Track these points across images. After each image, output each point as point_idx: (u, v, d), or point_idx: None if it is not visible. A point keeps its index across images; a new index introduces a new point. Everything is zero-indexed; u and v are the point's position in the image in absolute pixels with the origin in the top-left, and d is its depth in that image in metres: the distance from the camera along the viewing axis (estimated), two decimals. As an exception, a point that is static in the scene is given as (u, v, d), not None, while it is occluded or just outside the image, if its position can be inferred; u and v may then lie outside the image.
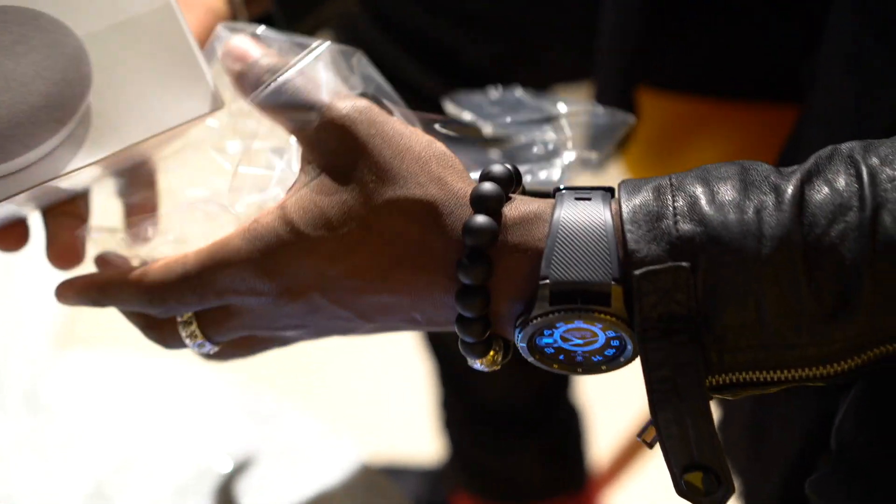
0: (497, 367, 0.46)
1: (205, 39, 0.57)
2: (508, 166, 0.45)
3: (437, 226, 0.44)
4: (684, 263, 0.40)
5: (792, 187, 0.41)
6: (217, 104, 0.48)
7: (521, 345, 0.44)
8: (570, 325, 0.42)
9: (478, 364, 0.45)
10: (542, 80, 0.86)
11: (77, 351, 0.87)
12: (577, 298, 0.41)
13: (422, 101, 0.85)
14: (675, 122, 0.82)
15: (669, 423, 0.41)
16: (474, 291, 0.43)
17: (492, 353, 0.45)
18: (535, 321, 0.42)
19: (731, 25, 0.78)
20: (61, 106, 0.45)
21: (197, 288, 0.45)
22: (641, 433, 0.43)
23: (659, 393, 0.41)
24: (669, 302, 0.40)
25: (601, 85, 0.77)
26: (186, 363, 0.80)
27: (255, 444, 0.76)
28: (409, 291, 0.44)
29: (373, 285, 0.44)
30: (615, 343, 0.43)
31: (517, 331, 0.43)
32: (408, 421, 1.29)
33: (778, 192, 0.41)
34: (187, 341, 0.48)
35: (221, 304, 0.46)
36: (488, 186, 0.43)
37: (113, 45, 0.46)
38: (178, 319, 0.47)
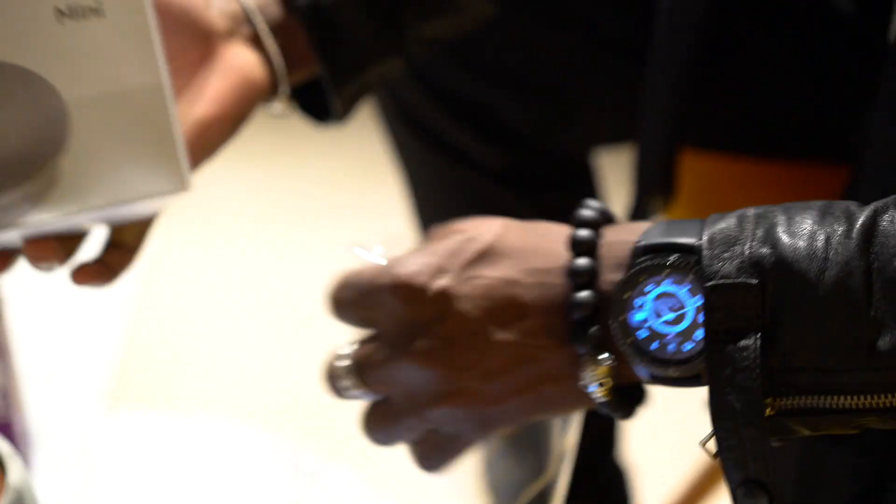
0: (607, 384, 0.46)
1: (233, 106, 0.58)
2: (595, 214, 0.48)
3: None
4: (753, 281, 0.41)
5: (864, 216, 0.42)
6: (184, 187, 0.49)
7: (614, 324, 0.45)
8: (659, 289, 0.44)
9: (592, 387, 0.46)
10: (584, 142, 0.86)
11: (127, 410, 0.88)
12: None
13: (462, 161, 0.87)
14: (719, 183, 0.81)
15: (728, 435, 0.41)
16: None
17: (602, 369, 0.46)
18: (624, 282, 0.44)
19: (777, 83, 0.78)
20: (31, 161, 0.46)
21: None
22: (705, 442, 0.43)
23: (720, 404, 0.41)
24: (737, 318, 0.42)
25: (643, 146, 0.77)
26: (232, 421, 0.80)
27: (300, 502, 0.76)
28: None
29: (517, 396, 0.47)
30: (701, 319, 0.43)
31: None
32: (451, 484, 1.28)
33: (850, 220, 0.42)
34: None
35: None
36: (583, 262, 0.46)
37: (97, 113, 0.48)
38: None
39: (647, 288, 0.44)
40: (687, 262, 0.44)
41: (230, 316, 1.46)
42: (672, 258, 0.44)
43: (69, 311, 1.41)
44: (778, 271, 0.41)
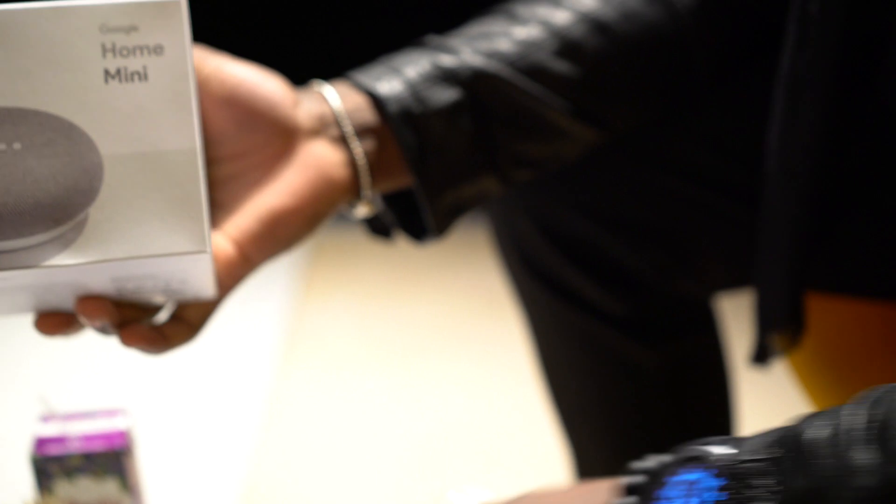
0: None
1: (309, 202, 0.58)
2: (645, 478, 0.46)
3: None
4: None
5: None
6: (204, 247, 0.51)
7: None
8: None
9: None
10: (703, 287, 0.84)
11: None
12: None
13: (582, 306, 0.85)
14: (851, 330, 0.77)
15: None
16: None
17: None
18: None
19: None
20: (62, 208, 0.49)
21: None
22: None
23: None
24: None
25: (763, 291, 0.74)
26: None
27: None
28: None
29: None
30: None
31: None
32: None
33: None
34: None
35: None
36: None
37: (131, 169, 0.50)
38: None
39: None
40: None
41: (349, 448, 1.45)
42: None
43: (195, 449, 1.43)
44: None
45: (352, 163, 0.61)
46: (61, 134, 0.50)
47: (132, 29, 0.50)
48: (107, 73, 0.50)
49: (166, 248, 0.50)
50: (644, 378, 0.86)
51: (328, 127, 0.61)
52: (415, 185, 0.62)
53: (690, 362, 0.87)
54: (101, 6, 0.50)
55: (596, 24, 0.67)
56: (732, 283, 0.83)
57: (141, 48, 0.51)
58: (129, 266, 0.50)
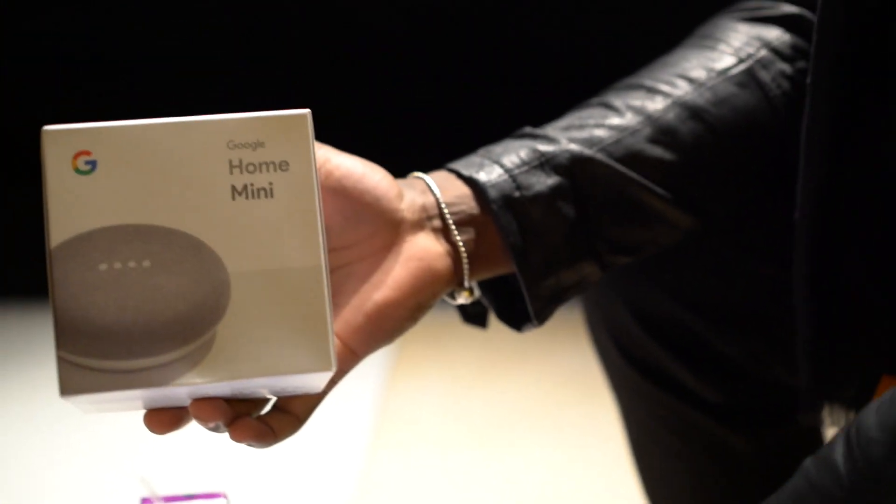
0: None
1: (413, 294, 0.59)
2: None
3: None
4: None
5: None
6: (330, 366, 0.50)
7: None
8: None
9: None
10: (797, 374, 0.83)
11: None
12: None
13: (678, 393, 0.84)
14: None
15: None
16: None
17: None
18: None
19: None
20: (191, 327, 0.49)
21: None
22: None
23: None
24: None
25: (840, 376, 0.72)
26: None
27: None
28: None
29: None
30: None
31: None
32: None
33: None
34: None
35: None
36: None
37: (257, 287, 0.50)
38: None
39: None
40: None
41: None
42: None
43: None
44: None
45: (453, 253, 0.61)
46: (189, 251, 0.50)
47: (259, 145, 0.51)
48: (234, 189, 0.51)
49: (292, 368, 0.50)
50: (739, 464, 0.85)
51: (431, 218, 0.62)
52: (516, 271, 0.63)
53: (786, 449, 0.86)
54: (229, 121, 0.51)
55: (691, 110, 0.69)
56: None
57: (267, 164, 0.51)
58: (253, 380, 0.51)
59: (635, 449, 0.93)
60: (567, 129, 0.67)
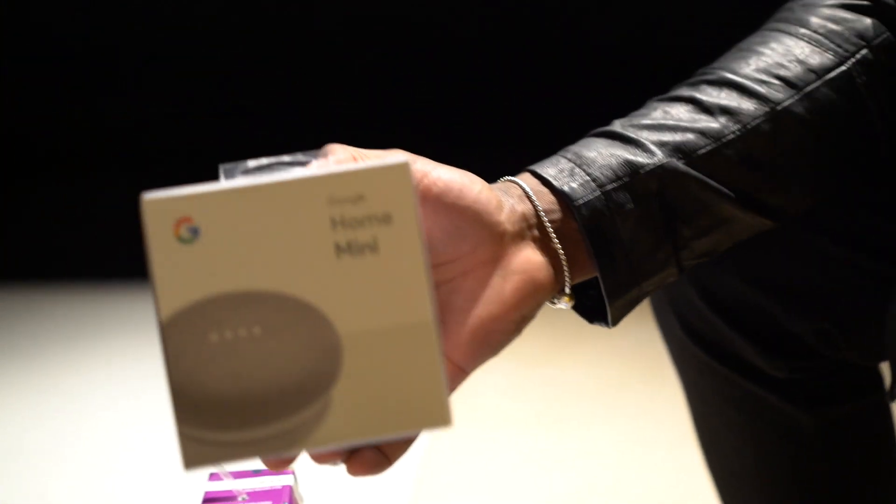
0: None
1: (518, 308, 0.58)
2: None
3: None
4: None
5: None
6: (448, 422, 0.50)
7: None
8: None
9: None
10: (868, 356, 0.81)
11: None
12: None
13: (743, 371, 0.84)
14: None
15: None
16: None
17: None
18: None
19: None
20: (306, 392, 0.49)
21: None
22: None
23: None
24: None
25: None
26: None
27: None
28: None
29: None
30: None
31: None
32: None
33: None
34: None
35: None
36: None
37: (368, 347, 0.49)
38: None
39: None
40: None
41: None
42: None
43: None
44: None
45: (554, 262, 0.61)
46: (299, 315, 0.49)
47: (359, 198, 0.50)
48: (338, 247, 0.50)
49: (410, 426, 0.50)
50: (803, 441, 0.85)
51: (531, 228, 0.61)
52: (602, 285, 0.62)
53: (850, 425, 0.86)
54: (328, 177, 0.50)
55: (788, 120, 0.66)
56: None
57: (370, 218, 0.50)
58: (369, 440, 0.51)
59: (699, 426, 0.93)
60: (657, 129, 0.65)
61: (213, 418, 0.49)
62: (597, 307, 0.65)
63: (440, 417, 0.50)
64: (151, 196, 0.49)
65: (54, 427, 1.76)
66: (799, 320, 0.80)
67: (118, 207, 2.91)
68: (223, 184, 0.50)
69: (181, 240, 0.49)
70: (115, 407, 1.83)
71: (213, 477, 0.97)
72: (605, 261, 0.62)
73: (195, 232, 0.49)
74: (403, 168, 0.50)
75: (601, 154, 0.64)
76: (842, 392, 0.85)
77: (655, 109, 0.67)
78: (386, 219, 0.50)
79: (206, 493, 0.95)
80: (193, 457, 0.49)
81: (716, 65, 0.69)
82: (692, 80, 0.68)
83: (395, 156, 0.51)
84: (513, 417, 1.70)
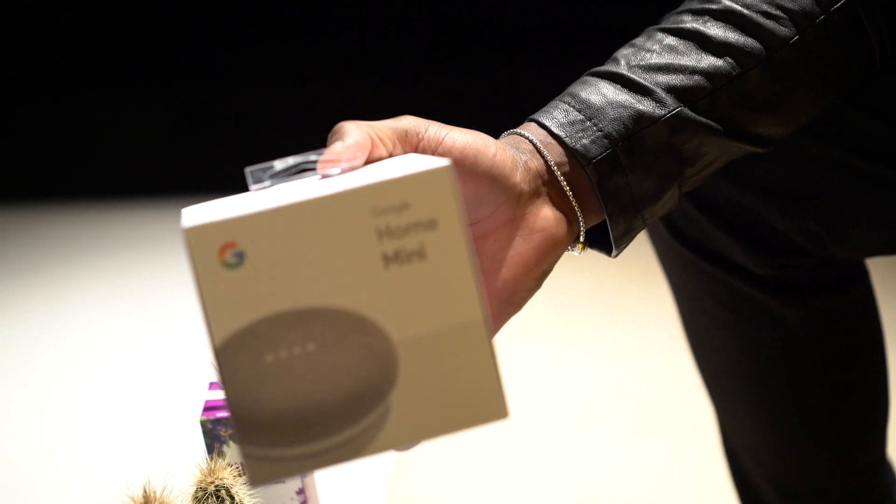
0: None
1: (538, 266, 0.59)
2: None
3: None
4: None
5: None
6: (506, 414, 0.51)
7: None
8: None
9: None
10: (855, 252, 0.82)
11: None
12: None
13: (728, 268, 0.85)
14: None
15: None
16: None
17: None
18: None
19: None
20: (365, 400, 0.49)
21: None
22: None
23: None
24: None
25: None
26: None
27: None
28: None
29: None
30: None
31: None
32: None
33: None
34: None
35: None
36: None
37: (423, 351, 0.50)
38: None
39: None
40: None
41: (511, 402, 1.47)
42: None
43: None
44: None
45: (569, 214, 0.61)
46: (352, 328, 0.49)
47: (404, 207, 0.49)
48: (385, 257, 0.49)
49: (470, 422, 0.51)
50: (788, 334, 0.87)
51: (545, 184, 0.61)
52: (610, 232, 0.63)
53: (837, 318, 0.87)
54: (370, 187, 0.49)
55: (794, 54, 0.65)
56: (882, 250, 0.81)
57: (415, 225, 0.49)
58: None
59: (687, 326, 0.95)
60: (664, 71, 0.64)
61: (276, 436, 0.49)
62: (597, 236, 0.66)
63: (498, 411, 0.51)
64: (192, 224, 0.48)
65: (58, 344, 1.79)
66: (785, 219, 0.81)
67: (109, 123, 2.92)
68: (262, 202, 0.49)
69: (227, 265, 0.48)
70: (114, 321, 1.86)
71: (212, 386, 0.99)
72: (614, 209, 0.62)
73: (241, 256, 0.48)
74: (446, 171, 0.50)
75: (611, 104, 0.63)
76: (827, 285, 0.86)
77: (660, 42, 0.65)
78: (431, 224, 0.50)
79: (207, 401, 0.97)
80: (259, 475, 0.49)
81: None
82: (696, 5, 0.67)
83: (438, 160, 0.50)
84: (510, 325, 1.72)
